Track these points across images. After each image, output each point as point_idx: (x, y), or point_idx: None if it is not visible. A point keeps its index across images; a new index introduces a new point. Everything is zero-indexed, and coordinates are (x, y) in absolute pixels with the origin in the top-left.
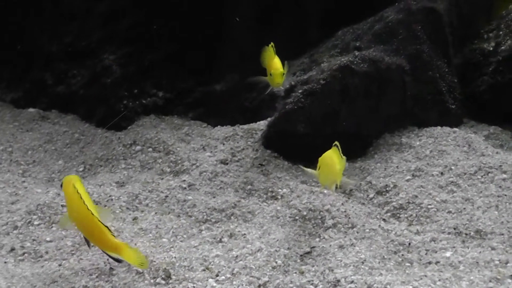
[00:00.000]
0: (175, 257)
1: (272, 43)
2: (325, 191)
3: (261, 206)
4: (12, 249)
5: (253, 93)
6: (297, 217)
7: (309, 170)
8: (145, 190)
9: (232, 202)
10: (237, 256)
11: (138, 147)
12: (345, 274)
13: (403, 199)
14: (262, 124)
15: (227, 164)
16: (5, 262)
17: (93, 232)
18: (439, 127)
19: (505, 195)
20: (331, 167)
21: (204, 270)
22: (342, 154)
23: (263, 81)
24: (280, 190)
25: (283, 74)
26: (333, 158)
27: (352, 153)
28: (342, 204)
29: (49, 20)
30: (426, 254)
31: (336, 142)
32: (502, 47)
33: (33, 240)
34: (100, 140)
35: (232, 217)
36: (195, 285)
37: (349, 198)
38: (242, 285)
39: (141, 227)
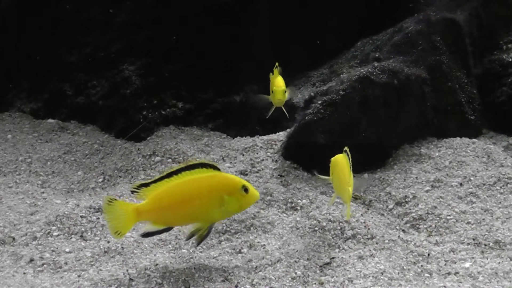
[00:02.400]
0: (194, 268)
1: (277, 63)
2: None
3: (280, 217)
4: (31, 260)
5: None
6: (316, 228)
7: (323, 177)
8: None
9: (251, 213)
10: (256, 267)
11: (158, 158)
12: (364, 285)
13: (423, 210)
14: (281, 135)
15: (246, 175)
16: (24, 273)
17: None
18: (458, 138)
19: None
20: (343, 183)
21: (223, 281)
22: (350, 164)
23: (265, 99)
24: (299, 201)
25: (285, 92)
26: (344, 171)
27: (372, 163)
28: (362, 215)
29: (68, 31)
30: (445, 264)
31: (346, 148)
32: None
33: (52, 251)
34: (119, 151)
35: (251, 228)
36: None
37: (368, 209)
38: None
39: (161, 238)
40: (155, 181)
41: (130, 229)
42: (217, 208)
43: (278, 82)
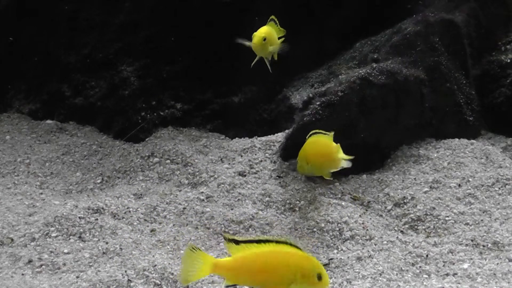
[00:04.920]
0: None
1: (273, 16)
2: (343, 203)
3: (279, 218)
4: (30, 261)
5: (271, 105)
6: (315, 229)
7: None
8: (163, 202)
9: (250, 214)
10: None
11: (156, 159)
12: (363, 286)
13: (421, 211)
14: (280, 136)
15: (245, 176)
16: (23, 274)
17: None
18: (456, 139)
19: None
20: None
21: (222, 282)
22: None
23: (248, 46)
24: (298, 202)
25: (264, 39)
26: (319, 143)
27: (370, 165)
28: (360, 216)
29: (66, 32)
30: (443, 265)
31: (316, 130)
32: None
33: (51, 252)
34: (118, 152)
35: (250, 229)
36: None
37: (367, 210)
38: None
39: (159, 239)
40: (245, 242)
41: (199, 279)
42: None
43: (260, 28)
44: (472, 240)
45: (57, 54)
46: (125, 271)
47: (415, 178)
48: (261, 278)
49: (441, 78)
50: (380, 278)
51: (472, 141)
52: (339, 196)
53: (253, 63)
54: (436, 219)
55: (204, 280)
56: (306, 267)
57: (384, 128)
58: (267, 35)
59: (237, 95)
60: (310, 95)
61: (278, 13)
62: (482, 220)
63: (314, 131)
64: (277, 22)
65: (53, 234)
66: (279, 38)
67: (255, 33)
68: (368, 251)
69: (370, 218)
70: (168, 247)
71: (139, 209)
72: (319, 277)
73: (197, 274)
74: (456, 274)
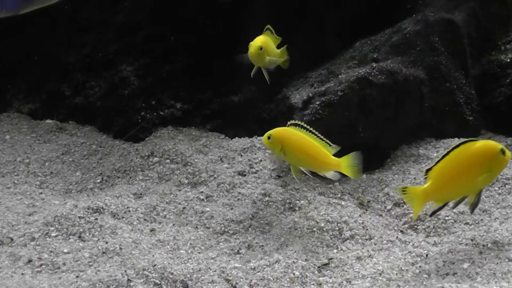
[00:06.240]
0: (192, 269)
1: (268, 26)
2: (343, 203)
3: (278, 217)
4: (30, 261)
5: (271, 105)
6: (314, 229)
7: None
8: (163, 202)
9: (249, 214)
10: (254, 267)
11: (156, 159)
12: (362, 285)
13: (421, 211)
14: None
15: (244, 175)
16: (22, 274)
17: None
18: (456, 139)
19: None
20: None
21: (222, 281)
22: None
23: (246, 59)
24: (297, 201)
25: (261, 48)
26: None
27: (370, 164)
28: (360, 215)
29: (66, 32)
30: (443, 265)
31: (292, 121)
32: None
33: (51, 251)
34: (117, 151)
35: (249, 229)
36: None
37: (366, 210)
38: None
39: (159, 239)
40: (435, 164)
41: (421, 210)
42: (483, 175)
43: (257, 38)
44: (472, 240)
45: (57, 54)
46: (125, 271)
47: (415, 178)
48: (459, 184)
49: (441, 78)
50: (380, 278)
51: None
52: (339, 195)
53: (252, 73)
54: (436, 219)
55: (204, 279)
56: (492, 149)
57: (384, 127)
58: (263, 44)
59: (236, 94)
60: (310, 94)
61: (277, 13)
62: (482, 220)
63: (293, 121)
64: (273, 31)
65: (53, 234)
66: (277, 47)
67: (251, 42)
68: (368, 250)
69: (370, 218)
70: (168, 246)
71: (138, 208)
72: (503, 152)
73: (417, 207)
74: (456, 273)
